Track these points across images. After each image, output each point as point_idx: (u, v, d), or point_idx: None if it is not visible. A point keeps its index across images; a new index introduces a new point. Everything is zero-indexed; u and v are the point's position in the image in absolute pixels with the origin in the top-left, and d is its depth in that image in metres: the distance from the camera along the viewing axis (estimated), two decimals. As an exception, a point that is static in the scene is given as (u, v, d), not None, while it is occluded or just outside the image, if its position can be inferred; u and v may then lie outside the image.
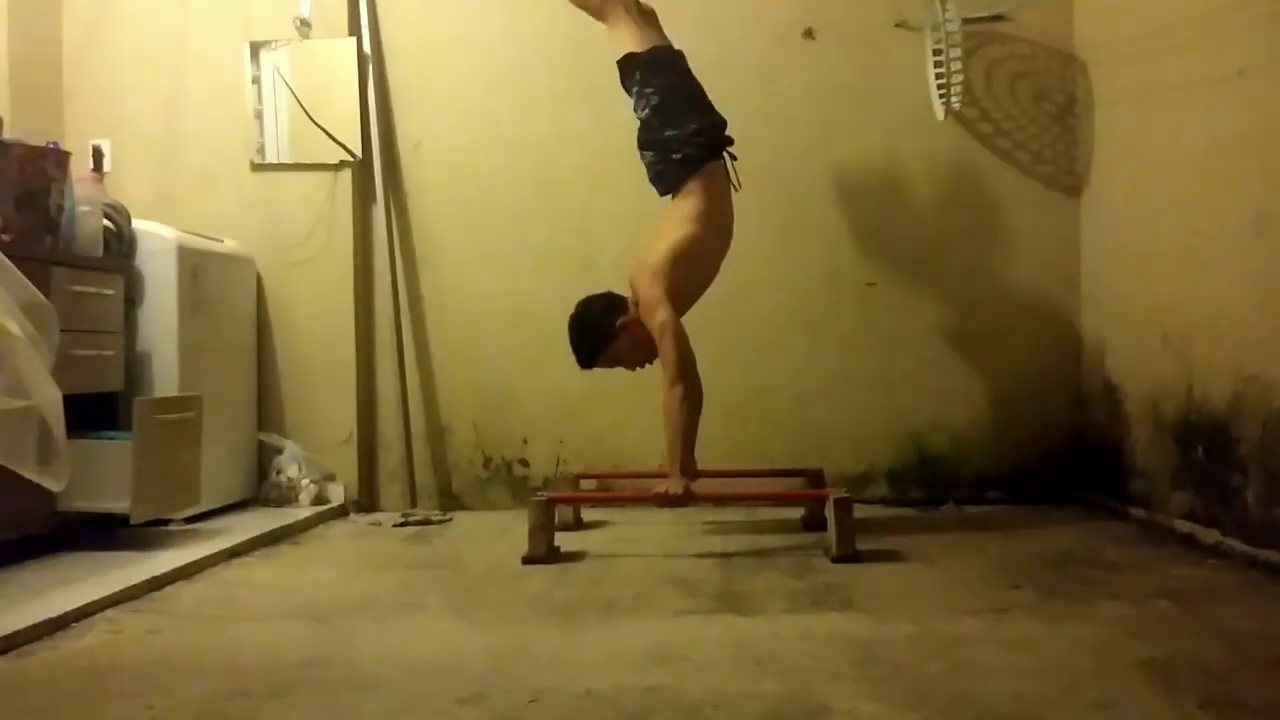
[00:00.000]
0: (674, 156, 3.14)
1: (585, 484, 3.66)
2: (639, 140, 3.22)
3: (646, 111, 3.18)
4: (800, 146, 3.83)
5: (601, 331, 3.11)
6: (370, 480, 3.88)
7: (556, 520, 2.99)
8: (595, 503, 3.64)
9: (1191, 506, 2.97)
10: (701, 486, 2.94)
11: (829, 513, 2.82)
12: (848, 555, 2.77)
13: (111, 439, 2.88)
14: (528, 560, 2.83)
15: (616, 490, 3.72)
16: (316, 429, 3.79)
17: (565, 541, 3.00)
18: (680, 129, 3.13)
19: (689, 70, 3.25)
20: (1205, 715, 1.62)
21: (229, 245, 3.68)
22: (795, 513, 3.41)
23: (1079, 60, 3.79)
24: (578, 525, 3.37)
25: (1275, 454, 2.57)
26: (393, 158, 3.92)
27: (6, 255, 2.46)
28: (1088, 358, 3.78)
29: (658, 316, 2.95)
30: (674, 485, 2.86)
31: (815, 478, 3.42)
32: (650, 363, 3.10)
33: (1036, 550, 2.93)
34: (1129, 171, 3.47)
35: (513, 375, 3.89)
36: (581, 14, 3.89)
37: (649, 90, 3.17)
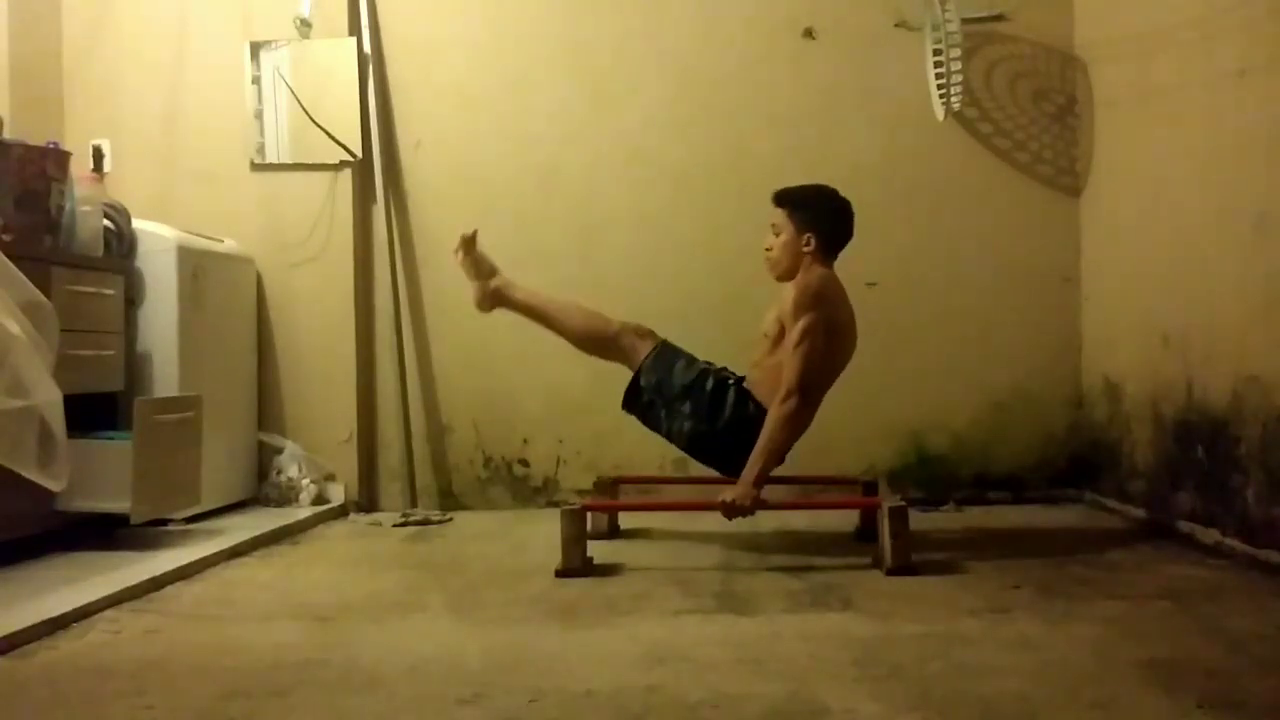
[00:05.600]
0: None
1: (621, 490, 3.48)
2: None
3: None
4: (800, 146, 3.83)
5: (821, 217, 2.97)
6: (370, 480, 3.88)
7: (590, 528, 2.85)
8: (634, 510, 3.41)
9: (1191, 506, 2.97)
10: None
11: (881, 522, 2.67)
12: (903, 568, 2.62)
13: (111, 439, 2.88)
14: (562, 573, 2.67)
15: (661, 496, 3.53)
16: (316, 429, 3.79)
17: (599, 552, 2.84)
18: None
19: None
20: (1205, 715, 1.62)
21: (229, 245, 3.68)
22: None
23: (1079, 60, 3.79)
24: (613, 534, 3.24)
25: (1275, 454, 2.57)
26: (393, 157, 3.92)
27: (6, 255, 2.45)
28: (1088, 358, 3.78)
29: (810, 316, 2.81)
30: (742, 494, 2.74)
31: (869, 485, 3.26)
32: (774, 272, 3.00)
33: (1036, 550, 2.93)
34: (1129, 171, 3.46)
35: (513, 375, 3.89)
36: (583, 13, 3.90)
37: None
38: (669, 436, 3.01)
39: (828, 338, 2.85)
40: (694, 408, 2.91)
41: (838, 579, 2.61)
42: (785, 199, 3.00)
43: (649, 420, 3.03)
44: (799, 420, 2.81)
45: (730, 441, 2.86)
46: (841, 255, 3.85)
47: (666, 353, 3.00)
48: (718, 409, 2.91)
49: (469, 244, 3.17)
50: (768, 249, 3.02)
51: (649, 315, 3.81)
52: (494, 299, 3.16)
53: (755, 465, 2.76)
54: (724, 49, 3.87)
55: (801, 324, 2.81)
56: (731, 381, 2.97)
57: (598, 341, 3.08)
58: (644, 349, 3.01)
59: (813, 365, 2.81)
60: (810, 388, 2.82)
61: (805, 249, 2.96)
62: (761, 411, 2.85)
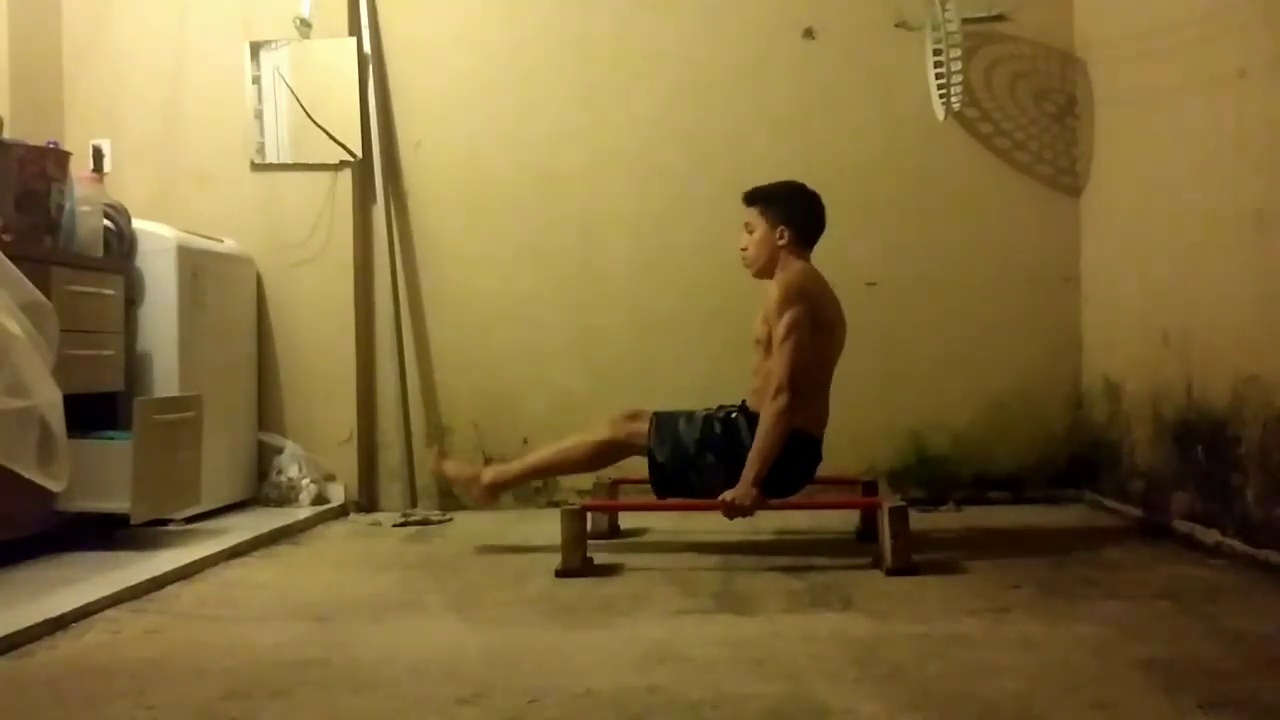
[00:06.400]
0: None
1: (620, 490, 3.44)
2: None
3: None
4: (800, 146, 3.83)
5: (792, 210, 2.98)
6: (370, 480, 3.88)
7: (590, 528, 2.87)
8: (634, 510, 3.35)
9: (1191, 506, 2.97)
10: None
11: (882, 522, 2.67)
12: (903, 568, 2.63)
13: (111, 439, 2.88)
14: (562, 573, 2.68)
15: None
16: (316, 429, 3.79)
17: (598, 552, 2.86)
18: None
19: None
20: (1205, 715, 1.62)
21: (229, 245, 3.68)
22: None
23: (1079, 60, 3.79)
24: (613, 534, 3.25)
25: (1275, 454, 2.57)
26: (393, 158, 3.92)
27: (6, 255, 2.45)
28: (1088, 358, 3.78)
29: (794, 310, 2.81)
30: (742, 494, 2.74)
31: (869, 485, 3.25)
32: (752, 270, 3.04)
33: (1036, 550, 2.93)
34: (1129, 171, 3.46)
35: (513, 375, 3.89)
36: (583, 13, 3.91)
37: None
38: (713, 494, 2.90)
39: (815, 329, 2.85)
40: (717, 456, 2.89)
41: (838, 579, 2.61)
42: (755, 197, 3.03)
43: (686, 489, 2.96)
44: (792, 416, 2.79)
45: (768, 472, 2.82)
46: (842, 255, 3.86)
47: (664, 421, 2.98)
48: (737, 443, 2.88)
49: (440, 461, 3.17)
50: (743, 249, 3.05)
51: (648, 316, 3.85)
52: (491, 492, 3.10)
53: (753, 465, 2.76)
54: (724, 49, 3.87)
55: (786, 319, 2.81)
56: (735, 414, 2.96)
57: (606, 453, 3.04)
58: (642, 429, 2.98)
59: (801, 359, 2.80)
60: (801, 384, 2.80)
61: (780, 242, 2.98)
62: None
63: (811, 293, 2.88)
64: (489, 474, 3.09)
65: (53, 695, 1.84)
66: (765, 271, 3.01)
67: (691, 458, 2.91)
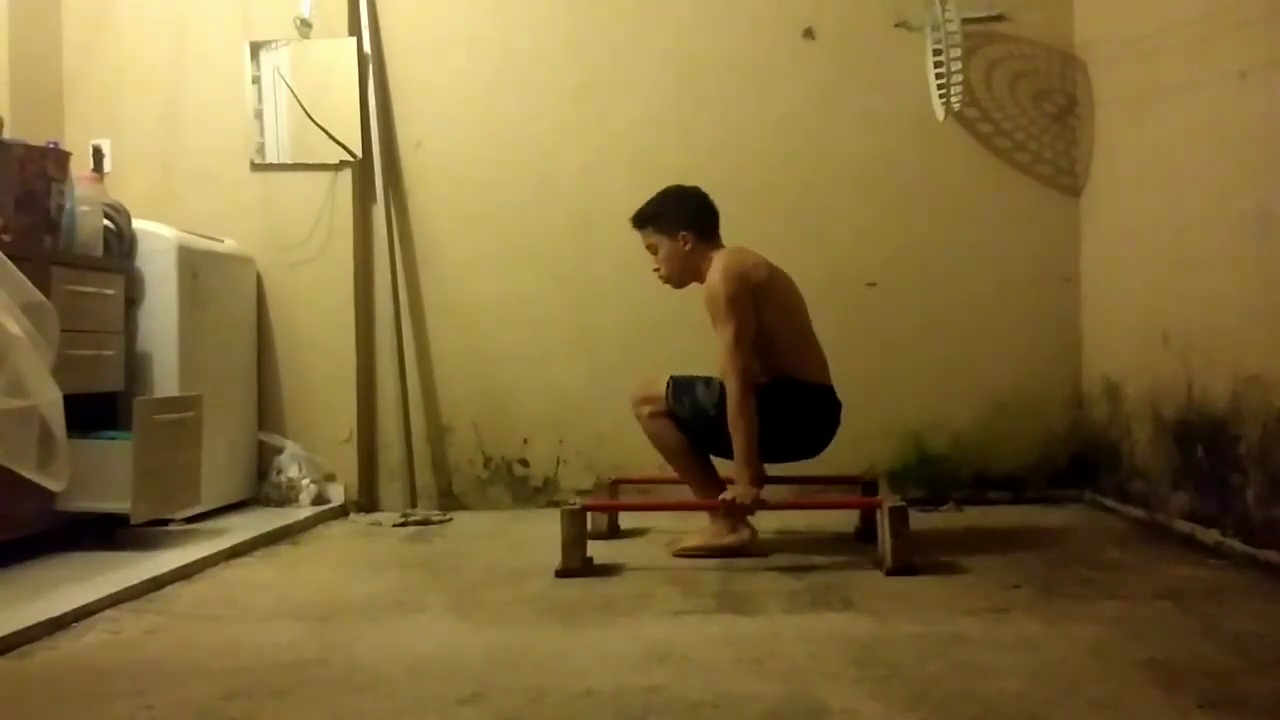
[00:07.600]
0: None
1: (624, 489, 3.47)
2: None
3: None
4: (800, 146, 3.83)
5: (682, 214, 2.99)
6: (370, 480, 3.88)
7: (590, 528, 2.86)
8: (634, 510, 3.39)
9: (1191, 506, 2.97)
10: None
11: (882, 522, 2.68)
12: (903, 568, 2.63)
13: (111, 439, 2.88)
14: (562, 573, 2.68)
15: (661, 496, 3.48)
16: (316, 429, 3.79)
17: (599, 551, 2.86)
18: None
19: None
20: (1205, 715, 1.62)
21: (229, 245, 3.68)
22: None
23: (1079, 60, 3.79)
24: (613, 534, 3.25)
25: (1275, 454, 2.57)
26: (393, 158, 3.93)
27: (6, 255, 2.45)
28: (1088, 358, 3.78)
29: (729, 324, 2.82)
30: (743, 494, 2.77)
31: (869, 485, 3.24)
32: (673, 285, 3.05)
33: (1036, 550, 2.93)
34: (1129, 171, 3.46)
35: (513, 375, 3.89)
36: (582, 14, 3.91)
37: None
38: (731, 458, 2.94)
39: (761, 305, 2.87)
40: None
41: (838, 579, 2.61)
42: (643, 219, 3.04)
43: (711, 447, 2.97)
44: (752, 409, 2.79)
45: (780, 431, 2.85)
46: (842, 255, 3.87)
47: (681, 385, 2.98)
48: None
49: (683, 546, 2.98)
50: (655, 269, 3.06)
51: (645, 316, 3.84)
52: (733, 523, 2.91)
53: (744, 467, 2.78)
54: (724, 49, 3.87)
55: (727, 330, 2.82)
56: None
57: (667, 423, 2.99)
58: (659, 394, 2.98)
59: (746, 362, 2.81)
60: (749, 387, 2.80)
61: (687, 248, 2.99)
62: (775, 382, 2.88)
63: (738, 279, 2.88)
64: (702, 530, 2.97)
65: (53, 695, 1.84)
66: (689, 279, 3.03)
67: (711, 419, 2.91)
